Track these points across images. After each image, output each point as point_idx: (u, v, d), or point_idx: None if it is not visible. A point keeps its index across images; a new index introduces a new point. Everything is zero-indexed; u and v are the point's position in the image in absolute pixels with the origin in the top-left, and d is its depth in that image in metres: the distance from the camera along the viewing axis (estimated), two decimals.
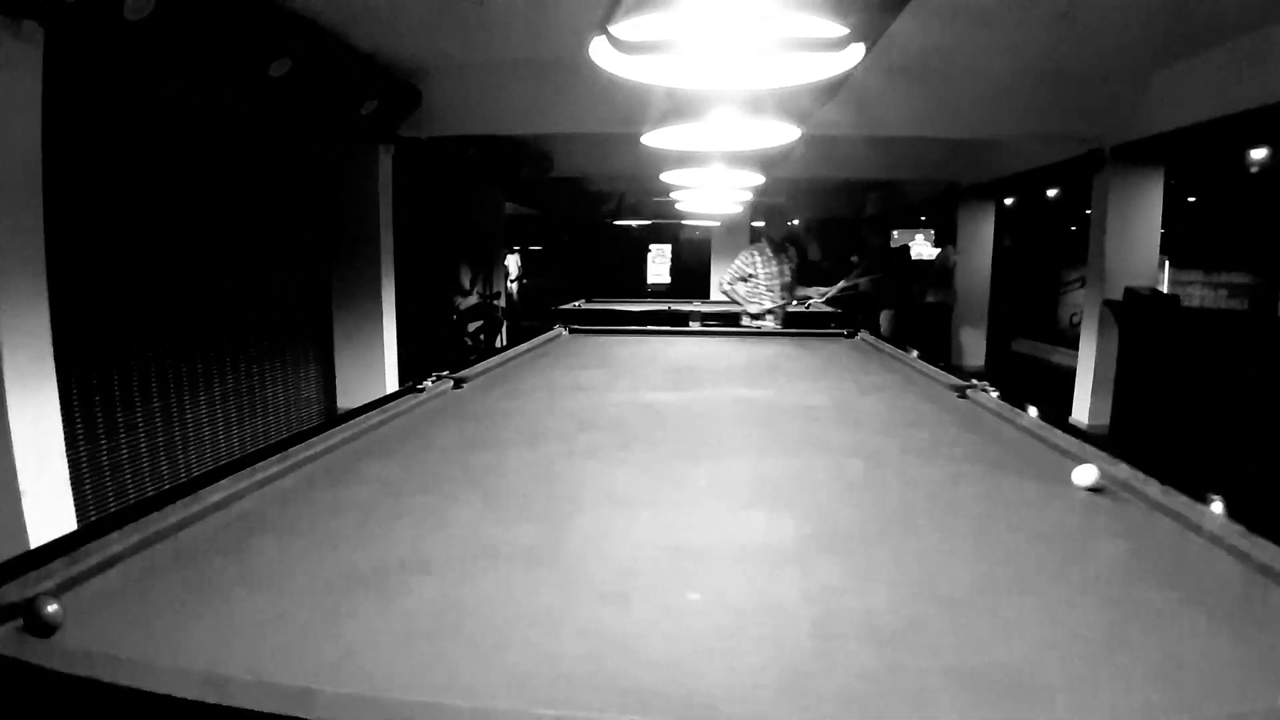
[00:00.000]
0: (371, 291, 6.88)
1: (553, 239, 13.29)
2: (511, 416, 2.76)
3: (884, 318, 8.80)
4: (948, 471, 2.15)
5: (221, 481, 1.79)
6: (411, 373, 7.32)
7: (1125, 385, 6.39)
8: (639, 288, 13.86)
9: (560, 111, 6.44)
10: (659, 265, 14.73)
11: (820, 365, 4.08)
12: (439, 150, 7.17)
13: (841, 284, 8.32)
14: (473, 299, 9.02)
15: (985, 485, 2.02)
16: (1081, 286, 10.39)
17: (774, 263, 6.28)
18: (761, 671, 1.10)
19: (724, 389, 3.35)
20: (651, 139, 2.39)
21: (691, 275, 12.87)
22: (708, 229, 11.78)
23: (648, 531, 1.65)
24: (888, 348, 4.75)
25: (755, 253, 6.36)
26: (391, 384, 7.04)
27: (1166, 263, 8.89)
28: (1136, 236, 6.51)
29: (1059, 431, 2.42)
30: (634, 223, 13.67)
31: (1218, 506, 1.64)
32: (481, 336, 9.11)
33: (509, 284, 10.23)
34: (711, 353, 4.52)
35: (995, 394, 3.11)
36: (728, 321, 6.60)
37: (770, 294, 6.31)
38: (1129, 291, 6.27)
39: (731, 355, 4.40)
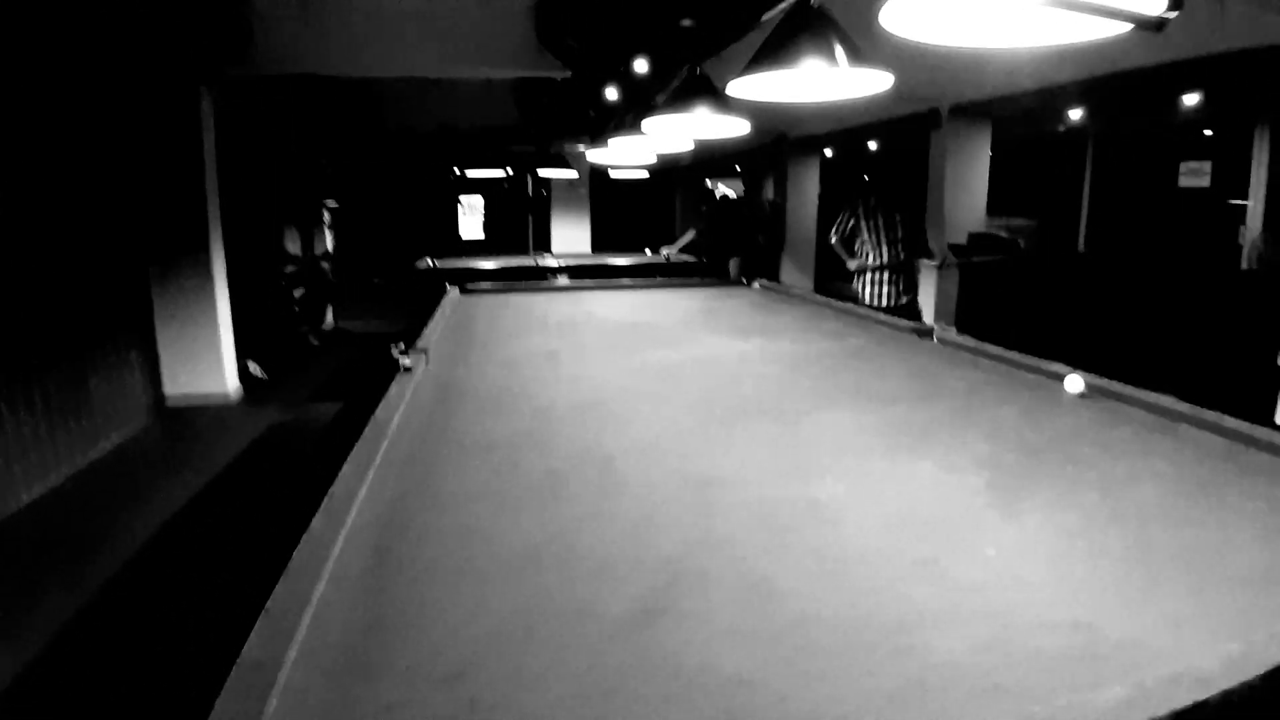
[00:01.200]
0: (196, 262, 6.00)
1: (359, 195, 12.27)
2: (551, 392, 2.47)
3: (732, 264, 9.01)
4: (1016, 408, 2.26)
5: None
6: (245, 352, 6.53)
7: (967, 319, 6.99)
8: (453, 244, 13.18)
9: (409, 53, 5.87)
10: (470, 219, 14.11)
11: (768, 314, 4.07)
12: (267, 93, 6.32)
13: (690, 235, 8.42)
14: (293, 266, 8.15)
15: (1066, 417, 2.10)
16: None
17: (877, 214, 5.52)
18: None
19: (712, 344, 3.25)
20: (738, 88, 2.19)
21: (509, 228, 12.38)
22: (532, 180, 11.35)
23: (865, 501, 1.54)
24: (794, 291, 4.96)
25: (858, 205, 5.65)
26: (230, 366, 6.24)
27: None
28: (969, 186, 7.08)
29: (1042, 360, 2.69)
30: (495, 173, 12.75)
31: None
32: (308, 304, 8.28)
33: (326, 245, 9.33)
34: (636, 304, 4.38)
35: (954, 332, 3.30)
36: (600, 275, 6.42)
37: (875, 249, 5.53)
38: (972, 236, 6.85)
39: (661, 308, 4.27)
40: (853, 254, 5.66)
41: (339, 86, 7.42)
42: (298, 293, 8.16)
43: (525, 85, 7.37)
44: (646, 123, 3.16)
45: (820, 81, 2.14)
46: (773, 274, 10.08)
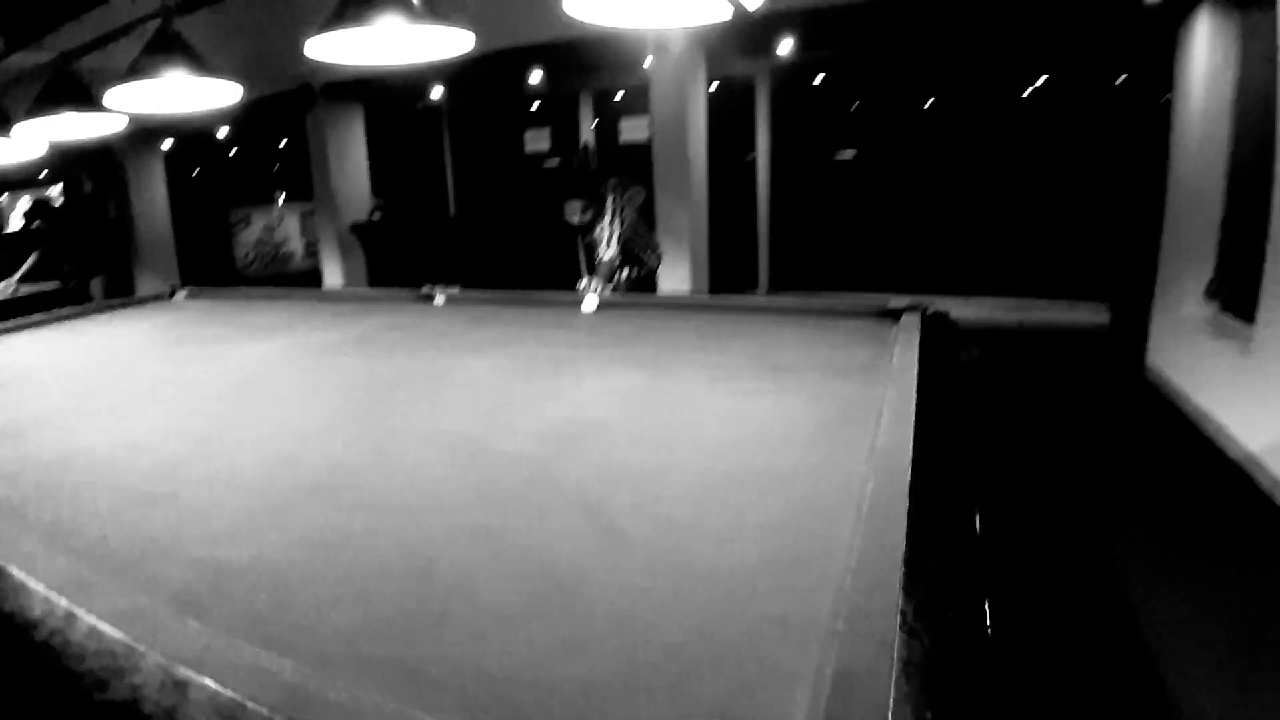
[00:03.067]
0: None
1: None
2: (170, 441, 1.95)
3: (95, 283, 7.61)
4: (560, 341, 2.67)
5: None
6: None
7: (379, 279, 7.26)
8: None
9: None
10: None
11: (246, 317, 3.66)
12: None
13: (33, 258, 6.87)
14: None
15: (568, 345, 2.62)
16: (247, 225, 10.65)
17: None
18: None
19: (252, 352, 2.88)
20: (315, 48, 1.93)
21: None
22: None
23: (572, 405, 1.76)
24: (224, 293, 4.55)
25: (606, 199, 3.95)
26: None
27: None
28: (350, 167, 7.24)
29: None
30: None
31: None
32: None
33: None
34: (85, 346, 3.53)
35: (453, 291, 3.55)
36: None
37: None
38: (372, 215, 7.08)
39: (121, 340, 3.51)
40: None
41: None
42: None
43: None
44: (110, 95, 2.60)
45: (400, 41, 2.14)
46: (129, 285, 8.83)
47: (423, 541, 1.19)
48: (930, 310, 2.56)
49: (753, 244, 6.80)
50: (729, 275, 6.83)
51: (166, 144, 9.20)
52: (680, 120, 5.29)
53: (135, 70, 2.54)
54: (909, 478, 1.22)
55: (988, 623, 0.91)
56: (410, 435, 1.73)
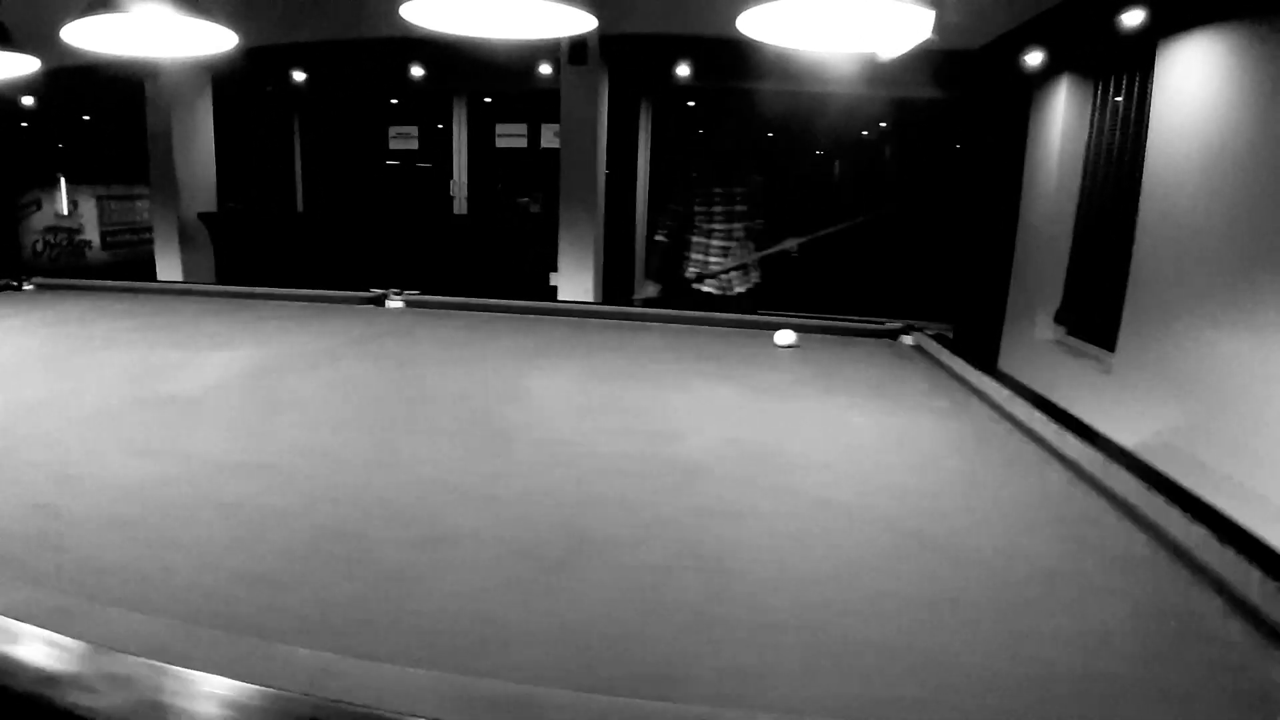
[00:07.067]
0: None
1: None
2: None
3: None
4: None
5: None
6: None
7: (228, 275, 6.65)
8: None
9: None
10: None
11: (199, 320, 3.32)
12: None
13: None
14: None
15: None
16: (38, 209, 9.30)
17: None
18: None
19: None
20: (73, 33, 1.91)
21: None
22: None
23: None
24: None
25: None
26: None
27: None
28: (197, 150, 6.60)
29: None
30: None
31: None
32: None
33: None
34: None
35: (412, 295, 3.45)
36: None
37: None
38: (224, 206, 6.51)
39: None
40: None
41: None
42: None
43: None
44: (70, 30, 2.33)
45: (158, 34, 2.16)
46: None
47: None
48: (930, 331, 2.89)
49: (630, 257, 6.98)
50: (612, 287, 6.95)
51: None
52: (590, 131, 5.38)
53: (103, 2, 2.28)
54: (1137, 479, 1.45)
55: None
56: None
